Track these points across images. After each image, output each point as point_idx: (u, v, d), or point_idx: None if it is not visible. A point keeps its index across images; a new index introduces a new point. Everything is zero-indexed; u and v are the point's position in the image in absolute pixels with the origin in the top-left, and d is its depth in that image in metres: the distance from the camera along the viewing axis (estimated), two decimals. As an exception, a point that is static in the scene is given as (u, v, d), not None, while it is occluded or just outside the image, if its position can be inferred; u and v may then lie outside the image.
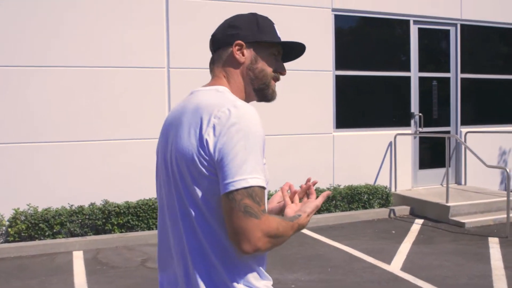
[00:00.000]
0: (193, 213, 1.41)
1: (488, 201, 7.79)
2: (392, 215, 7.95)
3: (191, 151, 1.38)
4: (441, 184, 9.05)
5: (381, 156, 8.49)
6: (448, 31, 9.08)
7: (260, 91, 1.59)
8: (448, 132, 9.08)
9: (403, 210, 8.05)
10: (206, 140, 1.35)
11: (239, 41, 1.55)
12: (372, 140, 8.41)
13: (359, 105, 8.47)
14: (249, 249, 1.32)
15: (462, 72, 9.14)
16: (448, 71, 9.12)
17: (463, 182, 9.12)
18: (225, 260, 1.41)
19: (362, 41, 8.50)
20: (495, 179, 9.42)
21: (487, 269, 5.31)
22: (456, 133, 9.13)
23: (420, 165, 8.90)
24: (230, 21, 1.60)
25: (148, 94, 7.05)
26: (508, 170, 7.05)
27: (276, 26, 1.61)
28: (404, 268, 5.38)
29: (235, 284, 1.41)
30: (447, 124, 9.14)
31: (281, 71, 1.62)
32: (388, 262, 5.61)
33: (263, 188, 1.35)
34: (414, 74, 8.78)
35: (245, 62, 1.56)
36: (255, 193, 1.32)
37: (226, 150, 1.32)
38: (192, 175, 1.39)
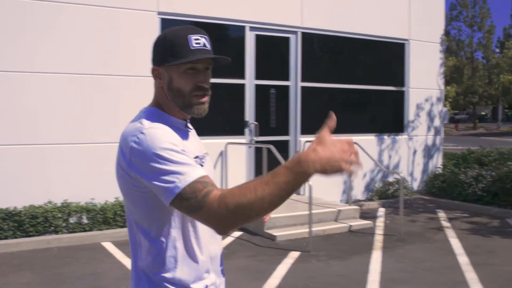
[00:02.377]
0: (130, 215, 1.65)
1: (312, 212, 7.67)
2: (214, 226, 7.68)
3: (120, 174, 1.58)
4: (280, 194, 8.90)
5: (212, 164, 8.22)
6: (288, 38, 8.99)
7: (183, 109, 1.64)
8: (287, 141, 8.97)
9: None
10: (127, 168, 1.53)
11: (153, 67, 1.65)
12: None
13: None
14: (220, 232, 1.46)
15: (302, 80, 9.08)
16: (288, 79, 9.03)
17: (302, 192, 9.03)
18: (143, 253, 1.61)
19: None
20: (337, 190, 9.42)
21: (258, 286, 5.11)
22: (296, 142, 9.05)
23: (257, 175, 8.73)
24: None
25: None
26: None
27: (194, 36, 1.60)
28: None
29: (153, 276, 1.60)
30: (286, 133, 9.04)
31: (201, 84, 1.63)
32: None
33: (193, 182, 1.42)
34: (250, 81, 8.61)
35: (164, 85, 1.63)
36: (186, 191, 1.42)
37: (144, 171, 1.47)
38: (125, 191, 1.60)
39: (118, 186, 1.61)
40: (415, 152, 10.56)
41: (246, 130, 8.59)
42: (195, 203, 1.41)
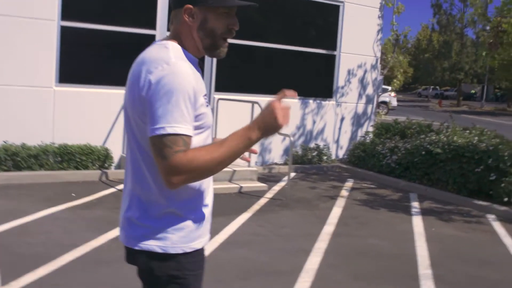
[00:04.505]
0: (136, 150, 1.72)
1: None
2: (104, 178, 7.48)
3: (133, 100, 1.66)
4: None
5: (113, 116, 7.94)
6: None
7: (208, 49, 1.75)
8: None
9: (118, 173, 7.60)
10: (140, 92, 1.62)
11: (188, 6, 1.71)
12: (104, 99, 7.84)
13: (91, 61, 7.84)
14: (168, 185, 1.61)
15: (219, 36, 8.71)
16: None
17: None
18: (157, 186, 1.71)
19: (100, -10, 7.84)
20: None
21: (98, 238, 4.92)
22: (210, 99, 8.75)
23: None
24: None
25: None
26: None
27: None
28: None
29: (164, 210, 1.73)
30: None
31: (232, 26, 1.74)
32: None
33: (179, 134, 1.57)
34: (161, 32, 8.22)
35: (194, 24, 1.71)
36: (169, 139, 1.56)
37: (153, 102, 1.58)
38: (135, 121, 1.68)
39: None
40: (342, 119, 10.28)
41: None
42: (166, 152, 1.57)
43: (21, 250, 4.57)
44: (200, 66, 1.81)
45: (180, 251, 1.73)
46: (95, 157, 7.55)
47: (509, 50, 8.48)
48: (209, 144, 1.68)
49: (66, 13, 7.51)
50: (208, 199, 1.86)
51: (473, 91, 57.93)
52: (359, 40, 10.20)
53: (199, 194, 1.79)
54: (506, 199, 7.18)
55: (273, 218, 6.15)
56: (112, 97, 7.86)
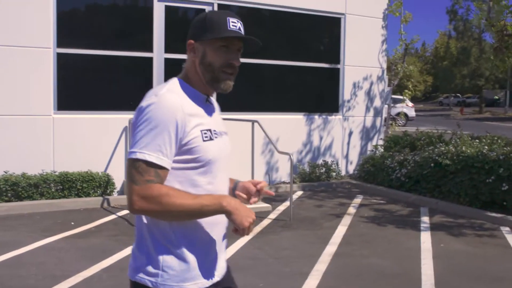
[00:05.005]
0: None
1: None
2: (106, 204, 7.40)
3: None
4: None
5: (114, 141, 7.89)
6: (204, 10, 8.52)
7: (210, 84, 1.76)
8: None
9: (120, 199, 7.52)
10: (133, 118, 1.69)
11: (190, 41, 1.78)
12: (103, 124, 7.80)
13: (88, 87, 7.83)
14: (129, 208, 1.63)
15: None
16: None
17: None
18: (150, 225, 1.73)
19: (94, 17, 7.85)
20: (260, 171, 9.00)
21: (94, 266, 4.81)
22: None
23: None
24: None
25: None
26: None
27: (232, 19, 1.74)
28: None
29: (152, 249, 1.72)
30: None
31: (231, 61, 1.76)
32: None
33: (151, 163, 1.60)
34: (158, 54, 8.20)
35: (197, 59, 1.75)
36: (139, 165, 1.60)
37: (135, 128, 1.64)
38: None
39: None
40: (351, 133, 10.06)
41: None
42: (136, 178, 1.60)
43: (12, 283, 4.49)
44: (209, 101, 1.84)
45: None
46: (96, 184, 7.48)
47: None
48: (185, 192, 1.66)
49: (61, 40, 7.53)
50: (209, 240, 1.79)
51: (496, 97, 56.83)
52: (363, 52, 10.02)
53: (196, 233, 1.74)
54: (520, 209, 6.86)
55: (274, 240, 5.95)
56: (111, 122, 7.82)
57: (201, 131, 1.70)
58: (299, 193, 8.75)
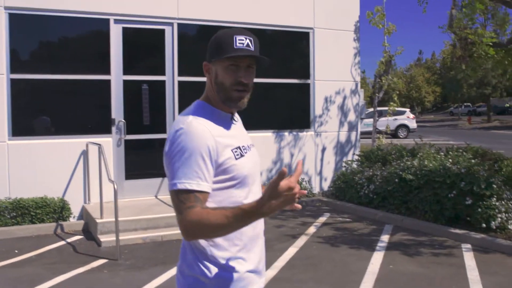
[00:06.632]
0: None
1: (161, 216, 7.14)
2: (59, 230, 7.26)
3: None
4: (155, 196, 8.40)
5: (72, 166, 7.77)
6: (163, 31, 8.43)
7: (225, 101, 1.83)
8: (164, 139, 8.43)
9: (75, 225, 7.37)
10: (164, 148, 1.78)
11: (205, 62, 1.87)
12: (60, 149, 7.68)
13: (44, 112, 7.73)
14: (183, 235, 1.71)
15: (179, 74, 8.50)
16: (163, 73, 8.46)
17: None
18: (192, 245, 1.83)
19: (49, 41, 7.78)
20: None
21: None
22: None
23: (128, 176, 8.23)
24: None
25: None
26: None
27: (239, 37, 1.81)
28: None
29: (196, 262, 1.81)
30: (163, 130, 8.47)
31: (239, 79, 1.81)
32: None
33: (192, 190, 1.68)
34: (117, 77, 8.08)
35: (212, 79, 1.84)
36: (181, 194, 1.68)
37: (169, 159, 1.73)
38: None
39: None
40: (324, 149, 9.82)
41: (113, 129, 8.08)
42: (180, 207, 1.68)
43: None
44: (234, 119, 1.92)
45: None
46: (50, 210, 7.34)
47: (479, 62, 7.92)
48: (226, 207, 1.68)
49: (15, 66, 7.47)
50: (244, 277, 1.84)
51: (507, 105, 55.90)
52: (335, 66, 9.82)
53: (227, 267, 1.80)
54: (484, 225, 6.55)
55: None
56: (68, 147, 7.70)
57: (231, 150, 1.78)
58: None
